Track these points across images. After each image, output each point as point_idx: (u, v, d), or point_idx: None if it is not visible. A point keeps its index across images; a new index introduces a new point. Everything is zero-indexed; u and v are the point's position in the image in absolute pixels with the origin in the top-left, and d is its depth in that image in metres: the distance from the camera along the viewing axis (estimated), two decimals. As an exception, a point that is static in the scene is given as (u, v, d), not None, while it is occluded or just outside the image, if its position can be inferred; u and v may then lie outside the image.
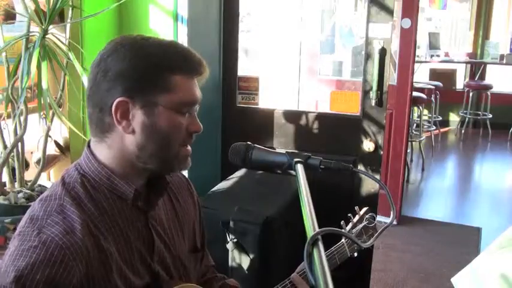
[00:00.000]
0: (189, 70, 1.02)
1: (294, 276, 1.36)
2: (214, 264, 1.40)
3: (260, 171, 2.48)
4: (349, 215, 1.53)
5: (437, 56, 7.42)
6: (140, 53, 0.99)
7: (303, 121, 2.65)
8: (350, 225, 1.52)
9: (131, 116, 0.99)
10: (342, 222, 1.52)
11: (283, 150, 1.09)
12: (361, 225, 1.51)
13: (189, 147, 1.07)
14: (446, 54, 7.75)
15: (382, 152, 2.51)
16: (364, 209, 1.55)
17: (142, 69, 0.98)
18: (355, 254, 1.51)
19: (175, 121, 1.01)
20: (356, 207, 1.54)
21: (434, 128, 6.79)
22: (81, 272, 0.91)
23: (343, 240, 1.50)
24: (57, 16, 1.93)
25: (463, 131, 7.38)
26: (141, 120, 0.99)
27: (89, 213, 0.98)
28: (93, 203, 0.99)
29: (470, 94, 7.26)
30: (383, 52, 2.40)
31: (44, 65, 1.77)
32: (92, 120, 1.03)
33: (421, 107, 5.65)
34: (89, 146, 1.06)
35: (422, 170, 5.78)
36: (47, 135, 1.98)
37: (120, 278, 0.99)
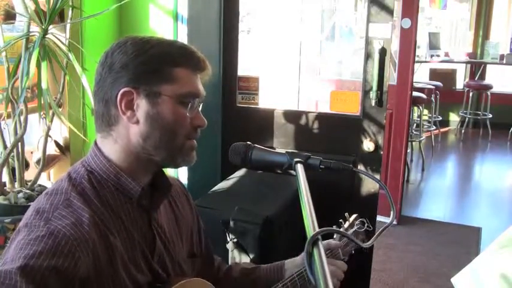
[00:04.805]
0: (192, 65, 1.06)
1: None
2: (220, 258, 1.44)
3: (260, 171, 2.48)
4: (340, 220, 1.55)
5: (437, 56, 7.42)
6: (144, 46, 1.03)
7: (303, 121, 2.64)
8: (341, 229, 1.53)
9: (135, 106, 1.02)
10: (334, 227, 1.53)
11: (283, 150, 1.09)
12: (352, 230, 1.53)
13: (194, 141, 1.08)
14: (446, 54, 7.75)
15: (382, 152, 2.51)
16: (354, 216, 1.57)
17: (146, 60, 1.02)
18: (346, 259, 1.52)
19: (178, 112, 1.03)
20: (346, 214, 1.56)
21: (434, 128, 6.79)
22: (88, 264, 0.91)
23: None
24: (57, 16, 1.93)
25: (463, 131, 7.38)
26: (145, 109, 1.01)
27: (95, 208, 0.99)
28: (99, 199, 1.00)
29: (470, 94, 7.27)
30: (383, 52, 2.40)
31: (44, 65, 1.77)
32: (97, 116, 1.06)
33: (421, 107, 5.64)
34: (95, 143, 1.08)
35: (422, 170, 5.79)
36: (47, 135, 1.98)
37: (125, 273, 1.00)
